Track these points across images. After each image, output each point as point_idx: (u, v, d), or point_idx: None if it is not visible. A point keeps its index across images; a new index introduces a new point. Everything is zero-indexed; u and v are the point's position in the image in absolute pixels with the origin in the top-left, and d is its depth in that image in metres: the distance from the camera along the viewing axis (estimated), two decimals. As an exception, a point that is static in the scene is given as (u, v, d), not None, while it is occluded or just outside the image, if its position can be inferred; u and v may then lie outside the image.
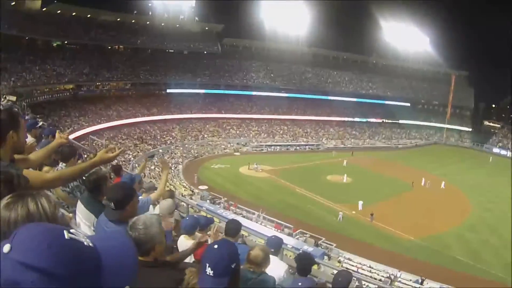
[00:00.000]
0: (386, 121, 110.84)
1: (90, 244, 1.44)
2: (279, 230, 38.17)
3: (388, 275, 33.06)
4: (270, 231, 33.72)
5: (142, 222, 3.71)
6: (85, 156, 14.34)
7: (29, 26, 67.52)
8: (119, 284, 1.48)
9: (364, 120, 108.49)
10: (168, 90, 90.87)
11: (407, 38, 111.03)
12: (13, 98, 40.36)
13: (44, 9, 74.00)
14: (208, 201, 46.99)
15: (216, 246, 3.09)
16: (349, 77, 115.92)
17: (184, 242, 6.63)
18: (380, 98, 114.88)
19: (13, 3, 66.59)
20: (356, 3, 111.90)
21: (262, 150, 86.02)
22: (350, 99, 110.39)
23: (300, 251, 20.21)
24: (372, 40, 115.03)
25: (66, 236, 1.37)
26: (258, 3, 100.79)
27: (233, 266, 3.04)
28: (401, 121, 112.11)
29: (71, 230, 1.43)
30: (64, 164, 6.80)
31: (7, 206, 1.99)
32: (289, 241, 32.81)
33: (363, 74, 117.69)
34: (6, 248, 1.27)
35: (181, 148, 77.32)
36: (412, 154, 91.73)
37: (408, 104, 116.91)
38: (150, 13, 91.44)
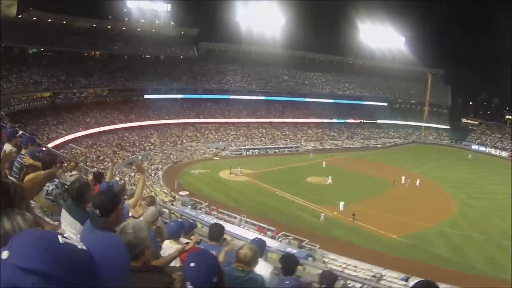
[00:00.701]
0: (364, 121, 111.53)
1: (84, 247, 1.52)
2: (261, 233, 38.11)
3: (373, 274, 33.21)
4: (252, 235, 33.64)
5: (131, 226, 3.71)
6: (65, 164, 14.24)
7: (4, 34, 66.75)
8: (113, 283, 1.57)
9: (342, 121, 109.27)
10: (145, 96, 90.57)
11: (383, 38, 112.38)
12: (-10, 108, 40.03)
13: (20, 16, 73.37)
14: (189, 206, 46.94)
15: (193, 264, 3.01)
16: (326, 79, 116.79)
17: (169, 247, 6.63)
18: (357, 98, 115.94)
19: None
20: (330, 4, 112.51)
21: (241, 154, 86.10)
22: (327, 100, 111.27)
23: (284, 252, 20.25)
24: (348, 41, 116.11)
25: (60, 240, 1.43)
26: (234, 6, 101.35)
27: (214, 280, 2.98)
28: (379, 121, 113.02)
29: (65, 235, 1.50)
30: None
31: None
32: (272, 243, 32.79)
33: (340, 75, 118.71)
34: (5, 254, 1.32)
35: (160, 154, 76.88)
36: (391, 153, 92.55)
37: (386, 104, 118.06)
38: (126, 18, 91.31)
